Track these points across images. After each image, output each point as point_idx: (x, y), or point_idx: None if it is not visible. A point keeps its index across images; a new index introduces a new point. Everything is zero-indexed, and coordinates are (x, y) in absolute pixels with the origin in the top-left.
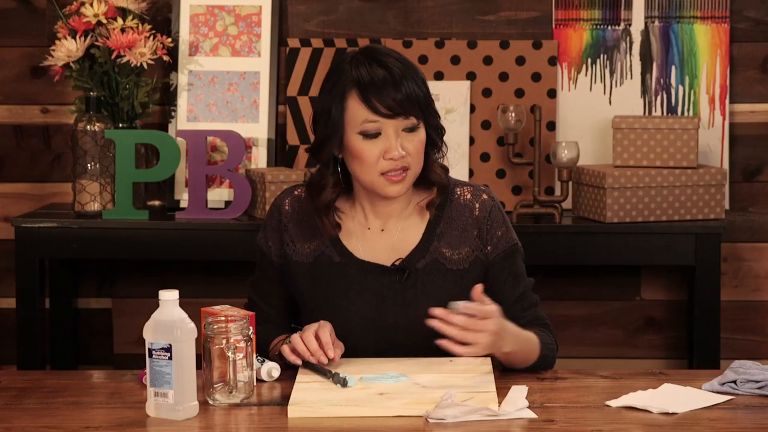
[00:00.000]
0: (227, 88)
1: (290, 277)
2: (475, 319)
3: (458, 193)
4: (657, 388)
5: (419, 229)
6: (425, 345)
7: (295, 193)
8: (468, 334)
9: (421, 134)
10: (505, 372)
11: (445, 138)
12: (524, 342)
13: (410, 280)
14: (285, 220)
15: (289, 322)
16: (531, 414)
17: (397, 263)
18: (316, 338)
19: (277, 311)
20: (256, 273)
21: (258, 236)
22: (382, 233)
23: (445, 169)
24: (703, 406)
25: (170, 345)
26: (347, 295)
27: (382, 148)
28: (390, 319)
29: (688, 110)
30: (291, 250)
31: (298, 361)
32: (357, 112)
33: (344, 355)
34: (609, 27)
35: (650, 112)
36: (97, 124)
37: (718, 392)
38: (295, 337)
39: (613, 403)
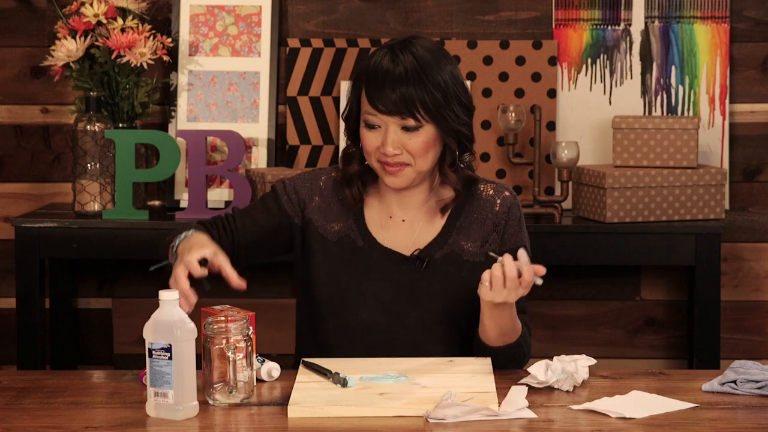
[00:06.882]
0: (227, 88)
1: (307, 246)
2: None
3: (481, 188)
4: (624, 395)
5: (440, 221)
6: (432, 332)
7: (333, 174)
8: (503, 290)
9: (425, 135)
10: (505, 372)
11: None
12: (513, 319)
13: (428, 269)
14: (317, 192)
15: (237, 256)
16: (531, 414)
17: (415, 253)
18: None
19: (237, 238)
20: (250, 204)
21: (279, 182)
22: (404, 223)
23: (470, 168)
24: (663, 412)
25: (170, 345)
26: (367, 278)
27: (380, 140)
28: (402, 304)
29: (688, 110)
30: (318, 222)
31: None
32: (363, 102)
33: (345, 354)
34: (609, 27)
35: (650, 112)
36: (97, 124)
37: (718, 392)
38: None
39: (576, 407)
